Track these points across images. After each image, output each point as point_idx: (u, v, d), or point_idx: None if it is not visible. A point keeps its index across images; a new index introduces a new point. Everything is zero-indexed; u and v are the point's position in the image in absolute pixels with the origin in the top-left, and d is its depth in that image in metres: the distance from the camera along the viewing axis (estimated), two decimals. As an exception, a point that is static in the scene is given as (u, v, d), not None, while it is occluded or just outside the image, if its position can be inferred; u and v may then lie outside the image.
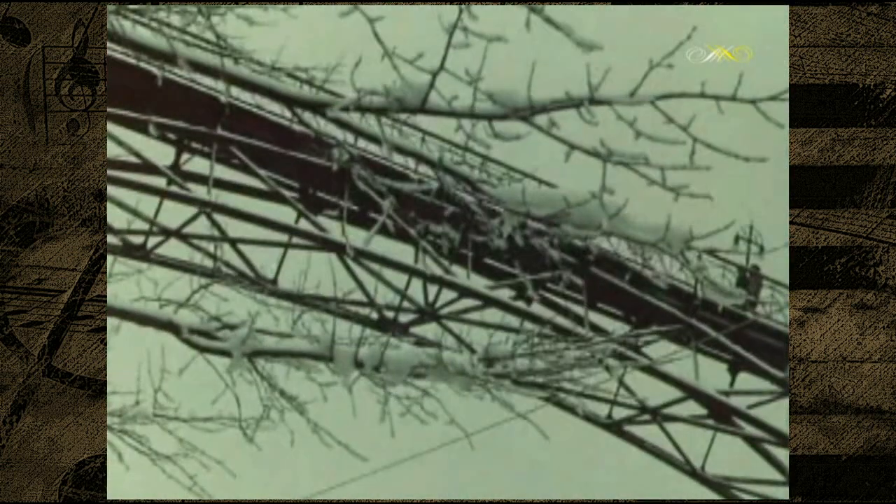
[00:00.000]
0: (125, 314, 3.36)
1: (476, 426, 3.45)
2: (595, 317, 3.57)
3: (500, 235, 3.27)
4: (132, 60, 3.19)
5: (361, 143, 3.31)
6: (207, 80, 3.29)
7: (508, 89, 2.79)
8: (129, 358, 3.52)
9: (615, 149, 2.79)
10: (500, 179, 3.33)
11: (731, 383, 3.72)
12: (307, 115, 3.25)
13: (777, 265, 3.66)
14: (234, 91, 3.31)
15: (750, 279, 3.63)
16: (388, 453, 3.52)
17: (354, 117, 3.21)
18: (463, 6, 2.55)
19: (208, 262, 3.40)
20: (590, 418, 3.65)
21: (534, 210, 3.22)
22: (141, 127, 3.31)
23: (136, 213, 3.34)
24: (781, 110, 3.58)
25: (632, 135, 2.64)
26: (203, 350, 3.33)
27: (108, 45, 3.22)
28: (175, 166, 3.36)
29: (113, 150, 3.33)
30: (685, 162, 2.66)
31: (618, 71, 2.74)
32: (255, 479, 3.63)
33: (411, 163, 3.34)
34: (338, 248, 3.43)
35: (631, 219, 3.33)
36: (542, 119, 2.82)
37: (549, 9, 2.51)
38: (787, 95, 2.61)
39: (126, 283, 3.38)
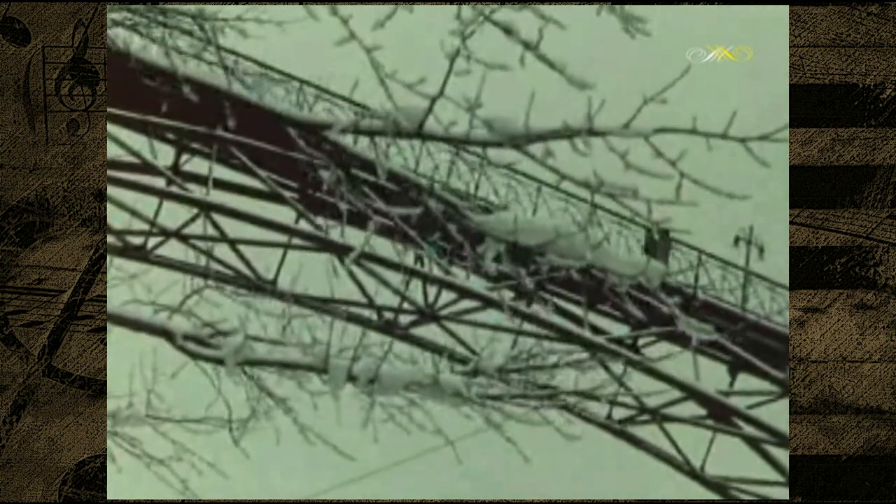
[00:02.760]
0: (120, 320, 3.36)
1: (466, 427, 3.45)
2: (595, 318, 3.57)
3: (484, 260, 3.29)
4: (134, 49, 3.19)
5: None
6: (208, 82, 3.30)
7: (506, 117, 2.79)
8: (124, 361, 3.53)
9: (606, 180, 2.78)
10: (486, 209, 3.34)
11: (731, 384, 3.72)
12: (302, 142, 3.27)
13: (777, 265, 3.67)
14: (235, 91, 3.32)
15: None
16: (376, 455, 3.52)
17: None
18: (463, 37, 2.55)
19: (209, 264, 3.41)
20: (589, 419, 3.65)
21: (522, 239, 3.23)
22: (141, 127, 3.31)
23: (135, 213, 3.34)
24: (784, 106, 3.59)
25: (618, 164, 2.62)
26: (196, 357, 3.33)
27: (108, 44, 3.22)
28: (175, 166, 3.36)
29: (113, 150, 3.33)
30: (677, 183, 2.64)
31: (619, 73, 2.74)
32: (245, 482, 3.63)
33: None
34: (337, 249, 3.43)
35: (612, 252, 3.35)
36: (537, 147, 2.81)
37: (546, 41, 2.51)
38: (785, 134, 2.59)
39: (121, 289, 3.38)
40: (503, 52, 2.50)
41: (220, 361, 3.31)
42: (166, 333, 3.35)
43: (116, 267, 3.36)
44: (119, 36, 3.17)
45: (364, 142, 3.35)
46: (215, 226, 3.38)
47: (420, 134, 2.86)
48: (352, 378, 3.26)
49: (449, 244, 3.32)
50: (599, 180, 2.68)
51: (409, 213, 3.23)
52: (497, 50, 2.51)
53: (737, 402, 3.72)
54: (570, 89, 2.49)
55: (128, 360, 3.51)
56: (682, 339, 3.63)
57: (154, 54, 3.19)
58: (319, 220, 3.40)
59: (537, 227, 3.25)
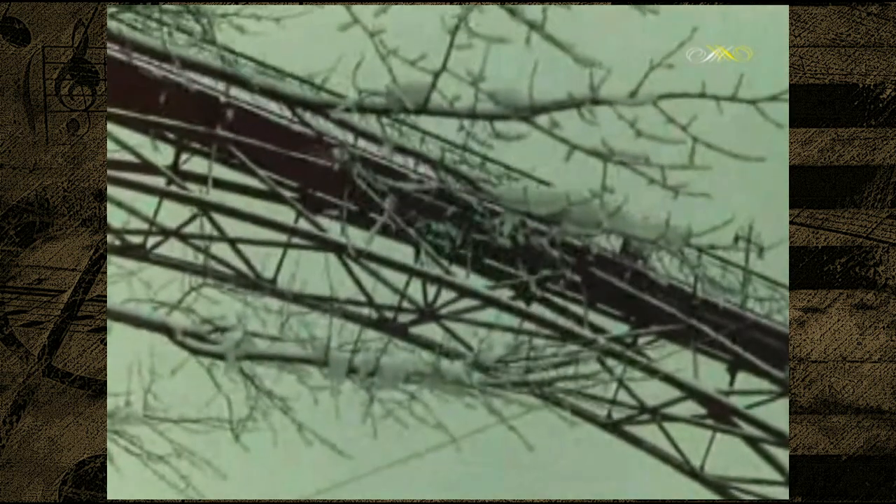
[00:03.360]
0: (119, 316, 3.36)
1: (466, 427, 3.45)
2: (595, 317, 3.57)
3: (501, 234, 3.28)
4: (130, 58, 3.20)
5: (361, 142, 3.32)
6: (206, 80, 3.29)
7: (510, 89, 2.80)
8: (124, 361, 3.53)
9: (616, 148, 2.79)
10: (498, 178, 3.34)
11: (731, 383, 3.71)
12: (308, 115, 3.26)
13: (777, 265, 3.67)
14: (234, 90, 3.31)
15: None
16: (378, 454, 3.53)
17: (355, 116, 3.22)
18: (464, 13, 2.56)
19: (207, 262, 3.41)
20: (589, 418, 3.65)
21: (535, 209, 3.23)
22: (141, 127, 3.31)
23: (134, 212, 3.34)
24: (782, 108, 3.59)
25: (631, 134, 2.65)
26: (196, 353, 3.34)
27: (108, 44, 3.22)
28: (175, 166, 3.36)
29: (113, 150, 3.33)
30: (686, 159, 2.67)
31: (619, 69, 2.74)
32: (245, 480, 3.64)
33: (411, 162, 3.35)
34: (337, 248, 3.43)
35: (630, 217, 3.34)
36: (543, 119, 2.83)
37: (551, 16, 2.52)
38: (787, 95, 2.61)
39: (120, 286, 3.38)
40: (506, 27, 2.51)
41: (220, 356, 3.32)
42: (166, 329, 3.36)
43: (116, 264, 3.37)
44: (116, 29, 3.17)
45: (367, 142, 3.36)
46: (214, 225, 3.38)
47: (425, 110, 2.87)
48: (352, 370, 3.26)
49: (457, 229, 3.31)
50: (609, 148, 2.70)
51: (424, 188, 3.23)
52: (500, 26, 2.52)
53: (736, 401, 3.71)
54: (575, 65, 2.51)
55: (127, 361, 3.51)
56: (682, 338, 3.63)
57: (153, 43, 3.20)
58: (319, 219, 3.40)
59: (549, 196, 3.25)
